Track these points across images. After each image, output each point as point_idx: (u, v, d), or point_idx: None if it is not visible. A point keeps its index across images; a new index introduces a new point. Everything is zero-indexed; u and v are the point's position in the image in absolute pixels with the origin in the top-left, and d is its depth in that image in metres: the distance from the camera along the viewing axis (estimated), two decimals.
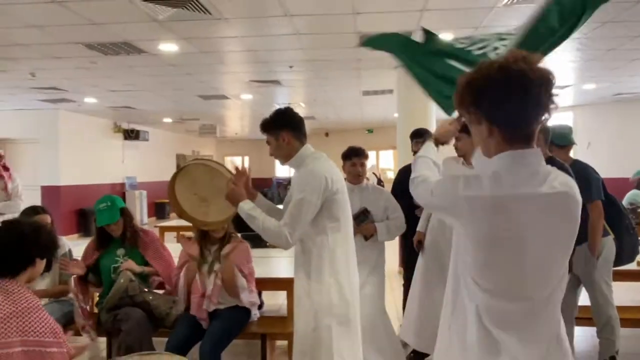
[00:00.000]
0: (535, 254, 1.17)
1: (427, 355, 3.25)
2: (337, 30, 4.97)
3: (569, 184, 1.20)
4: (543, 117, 1.17)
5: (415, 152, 3.82)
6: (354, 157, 3.19)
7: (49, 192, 10.21)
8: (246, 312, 2.89)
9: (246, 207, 2.11)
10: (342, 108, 10.67)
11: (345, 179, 3.03)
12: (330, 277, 2.10)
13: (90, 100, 9.00)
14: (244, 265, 2.87)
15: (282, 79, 7.42)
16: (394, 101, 8.02)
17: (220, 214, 2.34)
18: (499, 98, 1.16)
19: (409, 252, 3.65)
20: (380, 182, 12.65)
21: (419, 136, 3.83)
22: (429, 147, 1.64)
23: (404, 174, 3.75)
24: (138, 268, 3.08)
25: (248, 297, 2.85)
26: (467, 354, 1.20)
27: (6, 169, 4.56)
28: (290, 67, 6.53)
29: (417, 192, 1.40)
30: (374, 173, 12.88)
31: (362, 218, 3.12)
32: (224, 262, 2.79)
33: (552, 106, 1.17)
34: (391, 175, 14.47)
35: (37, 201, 9.67)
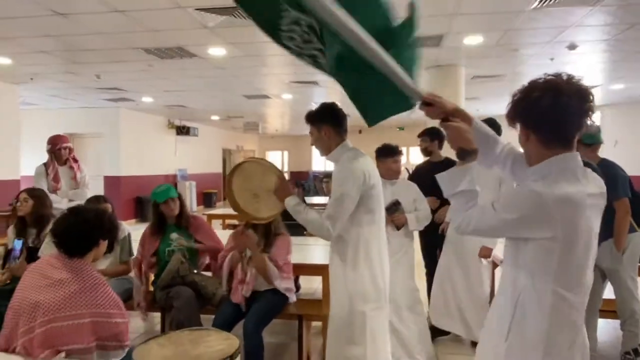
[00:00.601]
0: (594, 249, 1.23)
1: (446, 333, 3.45)
2: None
3: (603, 184, 1.25)
4: (581, 123, 1.18)
5: (423, 150, 3.90)
6: (390, 155, 3.24)
7: (110, 181, 10.60)
8: (284, 295, 2.92)
9: (292, 202, 2.14)
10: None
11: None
12: (364, 267, 2.09)
13: (147, 99, 9.26)
14: (281, 257, 2.88)
15: (319, 79, 7.41)
16: None
17: (269, 210, 2.35)
18: (538, 105, 1.18)
19: (429, 244, 3.82)
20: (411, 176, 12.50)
21: (423, 135, 3.91)
22: (454, 178, 1.42)
23: (417, 173, 3.91)
24: (187, 243, 3.14)
25: (282, 284, 2.86)
26: (533, 348, 1.21)
27: (75, 160, 4.73)
28: None
29: (476, 226, 1.29)
30: (406, 168, 12.75)
31: (393, 209, 3.15)
32: (255, 254, 2.82)
33: (589, 113, 1.18)
34: None
35: (100, 190, 10.08)
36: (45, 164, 4.59)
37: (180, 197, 3.19)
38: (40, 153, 4.92)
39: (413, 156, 16.03)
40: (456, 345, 3.50)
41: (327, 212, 2.05)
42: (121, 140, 10.59)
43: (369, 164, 2.14)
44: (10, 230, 3.41)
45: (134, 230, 3.79)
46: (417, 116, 13.58)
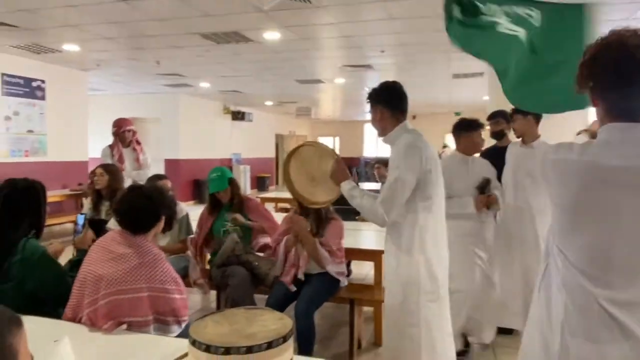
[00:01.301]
0: (630, 229, 1.03)
1: (510, 331, 3.21)
2: (429, 14, 4.71)
3: None
4: None
5: (493, 133, 3.68)
6: (475, 128, 2.96)
7: (170, 164, 11.00)
8: (336, 278, 2.89)
9: (348, 186, 2.09)
10: (430, 91, 10.23)
11: (458, 150, 2.94)
12: (419, 254, 2.00)
13: (204, 84, 9.46)
14: (334, 242, 2.85)
15: (373, 63, 7.24)
16: (484, 84, 7.52)
17: (325, 194, 2.30)
18: (606, 71, 1.05)
19: None
20: None
21: (492, 117, 3.71)
22: None
23: (487, 155, 3.60)
24: (243, 220, 3.17)
25: (333, 268, 2.84)
26: (552, 326, 1.11)
27: (138, 142, 4.92)
28: (382, 51, 6.34)
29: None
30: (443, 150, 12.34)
31: (487, 188, 2.90)
32: (306, 239, 2.80)
33: None
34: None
35: (161, 171, 10.47)
36: (110, 146, 4.81)
37: (233, 182, 3.23)
38: (106, 136, 5.17)
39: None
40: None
41: (381, 197, 1.98)
42: (180, 125, 10.92)
43: (427, 147, 2.04)
44: (86, 203, 3.60)
45: (191, 211, 3.88)
46: (474, 101, 12.95)
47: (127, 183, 4.47)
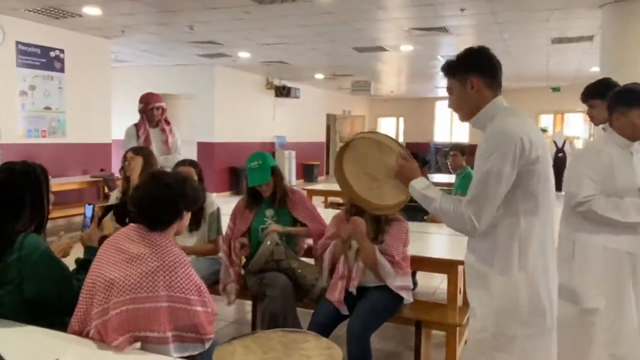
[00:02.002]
0: None
1: None
2: None
3: None
4: None
5: (591, 118, 3.24)
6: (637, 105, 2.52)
7: (203, 148, 11.23)
8: (398, 295, 2.82)
9: (419, 185, 1.96)
10: (522, 60, 9.80)
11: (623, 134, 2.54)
12: (519, 272, 1.83)
13: (244, 54, 9.55)
14: (397, 249, 2.79)
15: (449, 25, 6.97)
16: (594, 51, 7.04)
17: (395, 195, 2.21)
18: None
19: None
20: (561, 152, 11.46)
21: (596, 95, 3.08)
22: None
23: None
24: (282, 229, 3.14)
25: (396, 282, 2.77)
26: None
27: (167, 122, 4.95)
28: (462, 10, 6.07)
29: None
30: (554, 141, 11.72)
31: None
32: (364, 246, 2.74)
33: None
34: (581, 145, 13.03)
35: (193, 157, 10.71)
36: (136, 125, 4.87)
37: (276, 172, 3.21)
38: (131, 115, 5.27)
39: (570, 126, 14.71)
40: None
41: (469, 196, 1.83)
42: (216, 102, 11.12)
43: (531, 127, 1.87)
44: (114, 193, 3.67)
45: (226, 204, 3.88)
46: (579, 72, 12.35)
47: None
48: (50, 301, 1.92)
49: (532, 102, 13.79)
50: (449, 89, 2.00)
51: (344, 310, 2.77)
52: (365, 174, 2.26)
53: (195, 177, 3.30)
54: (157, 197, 1.90)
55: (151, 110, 4.80)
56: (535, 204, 1.84)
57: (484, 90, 1.93)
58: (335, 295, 2.79)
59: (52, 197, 2.08)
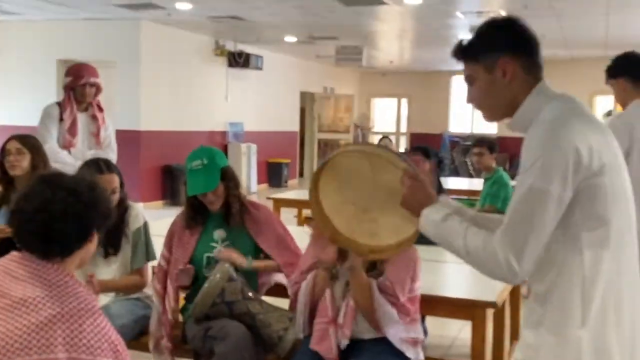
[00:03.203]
0: None
1: None
2: None
3: None
4: None
5: (618, 102, 3.98)
6: None
7: (126, 139, 10.98)
8: (401, 351, 2.82)
9: (436, 215, 1.94)
10: (572, 20, 9.95)
11: None
12: (582, 329, 1.82)
13: (183, 5, 9.51)
14: (402, 286, 2.79)
15: None
16: None
17: (396, 232, 2.25)
18: None
19: None
20: None
21: (614, 74, 3.97)
22: None
23: None
24: (243, 260, 3.14)
25: (400, 333, 2.79)
26: None
27: (100, 109, 5.03)
28: None
29: None
30: None
31: None
32: (356, 275, 2.77)
33: None
34: None
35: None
36: (59, 104, 4.89)
37: (229, 175, 3.22)
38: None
39: None
40: None
41: (503, 227, 1.82)
42: (142, 75, 11.05)
43: (590, 124, 1.87)
44: None
45: (158, 220, 3.81)
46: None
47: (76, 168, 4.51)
48: None
49: (584, 79, 13.91)
50: (469, 78, 2.00)
51: None
52: (353, 204, 2.32)
53: (118, 188, 3.32)
54: (57, 211, 1.85)
55: (83, 86, 4.84)
56: (606, 232, 1.83)
57: (520, 76, 1.93)
58: (324, 346, 2.80)
59: None
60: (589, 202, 1.81)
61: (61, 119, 4.79)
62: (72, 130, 4.78)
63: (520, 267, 1.78)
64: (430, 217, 1.95)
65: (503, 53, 1.92)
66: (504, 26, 1.98)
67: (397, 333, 2.77)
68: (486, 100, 2.00)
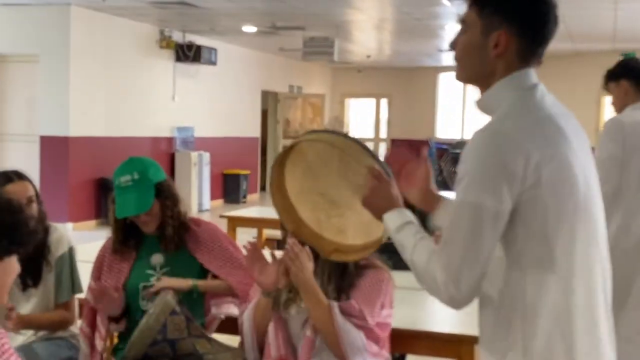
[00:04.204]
0: None
1: None
2: None
3: None
4: None
5: (615, 106, 4.23)
6: None
7: (51, 146, 11.05)
8: None
9: (392, 223, 2.01)
10: (577, 10, 10.11)
11: None
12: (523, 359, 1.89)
13: None
14: (370, 309, 2.80)
15: None
16: None
17: (364, 232, 2.34)
18: None
19: None
20: None
21: (616, 77, 4.17)
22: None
23: None
24: (187, 283, 3.14)
25: None
26: None
27: None
28: None
29: None
30: None
31: None
32: (311, 295, 2.76)
33: None
34: None
35: (33, 164, 10.47)
36: None
37: (164, 191, 3.21)
38: None
39: None
40: None
41: (441, 248, 1.89)
42: (72, 70, 10.99)
43: (540, 133, 1.90)
44: None
45: (90, 242, 3.78)
46: None
47: None
48: None
49: (591, 76, 14.04)
50: (463, 23, 2.03)
51: None
52: (320, 194, 2.40)
53: (34, 199, 3.30)
54: None
55: None
56: (549, 252, 1.88)
57: (509, 57, 1.96)
58: None
59: None
60: (529, 217, 1.87)
61: None
62: None
63: (458, 292, 1.84)
64: (387, 224, 2.02)
65: (509, 26, 1.94)
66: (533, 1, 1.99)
67: None
68: (465, 58, 2.04)
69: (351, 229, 2.36)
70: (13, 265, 1.99)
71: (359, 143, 2.27)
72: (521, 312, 1.89)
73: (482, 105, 2.03)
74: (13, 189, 3.24)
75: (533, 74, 2.00)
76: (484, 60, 1.98)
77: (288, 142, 17.09)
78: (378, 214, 2.06)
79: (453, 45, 2.05)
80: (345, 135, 2.33)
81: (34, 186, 3.39)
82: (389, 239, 2.14)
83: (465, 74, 2.06)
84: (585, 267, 1.92)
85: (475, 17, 1.97)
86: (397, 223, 2.00)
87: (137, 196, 3.13)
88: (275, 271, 2.77)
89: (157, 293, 3.11)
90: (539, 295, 1.87)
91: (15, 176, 3.36)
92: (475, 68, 2.03)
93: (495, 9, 1.95)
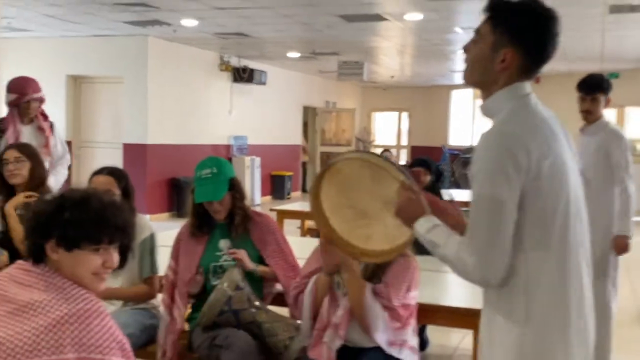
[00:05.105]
0: None
1: None
2: None
3: None
4: None
5: (584, 112, 4.26)
6: None
7: (132, 152, 11.12)
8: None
9: (424, 225, 2.00)
10: (569, 34, 9.86)
11: None
12: (525, 325, 1.87)
13: (189, 22, 9.55)
14: (396, 292, 2.81)
15: None
16: None
17: (388, 239, 2.28)
18: None
19: None
20: None
21: (592, 89, 4.20)
22: None
23: None
24: (249, 264, 3.16)
25: (387, 335, 2.80)
26: None
27: (45, 117, 4.87)
28: None
29: None
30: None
31: None
32: (352, 278, 2.79)
33: None
34: None
35: (117, 162, 10.53)
36: (3, 120, 4.80)
37: (235, 186, 3.25)
38: None
39: (632, 122, 15.17)
40: None
41: (466, 237, 1.89)
42: (150, 89, 11.06)
43: (538, 132, 1.89)
44: None
45: (165, 231, 3.81)
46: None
47: None
48: None
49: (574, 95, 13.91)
50: (478, 33, 1.98)
51: None
52: (351, 207, 2.34)
53: (117, 192, 3.28)
54: (70, 222, 1.85)
55: (27, 103, 4.74)
56: (547, 234, 1.87)
57: (512, 71, 1.94)
58: (317, 351, 2.80)
59: None
60: (530, 206, 1.85)
61: (2, 136, 4.67)
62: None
63: (488, 272, 1.85)
64: (418, 229, 1.99)
65: (516, 46, 1.92)
66: (541, 21, 1.94)
67: (383, 335, 2.77)
68: (474, 64, 2.01)
69: (377, 236, 2.31)
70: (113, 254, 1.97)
71: (391, 162, 2.28)
72: (523, 284, 1.87)
73: (485, 110, 2.02)
74: (97, 181, 3.29)
75: (528, 85, 1.99)
76: (490, 70, 1.96)
77: (324, 148, 17.23)
78: (410, 221, 2.04)
79: (465, 49, 2.02)
80: (379, 156, 2.33)
81: (125, 182, 3.40)
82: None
83: (472, 79, 2.04)
84: (574, 245, 1.91)
85: (489, 31, 1.94)
86: (427, 226, 1.98)
87: (214, 187, 3.15)
88: (337, 258, 2.78)
89: (236, 259, 3.14)
90: (538, 271, 1.86)
91: (106, 171, 3.40)
92: (481, 76, 2.01)
93: (506, 29, 1.92)
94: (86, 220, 1.88)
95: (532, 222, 1.87)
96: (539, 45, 1.94)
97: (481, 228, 1.85)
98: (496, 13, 1.94)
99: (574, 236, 1.91)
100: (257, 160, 13.70)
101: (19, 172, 3.64)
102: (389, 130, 20.11)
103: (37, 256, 1.87)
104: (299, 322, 3.05)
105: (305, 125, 17.25)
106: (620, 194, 4.14)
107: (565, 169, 1.91)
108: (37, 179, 3.71)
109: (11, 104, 4.75)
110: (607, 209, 4.10)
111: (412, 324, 2.88)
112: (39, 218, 1.87)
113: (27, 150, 3.75)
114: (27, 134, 4.73)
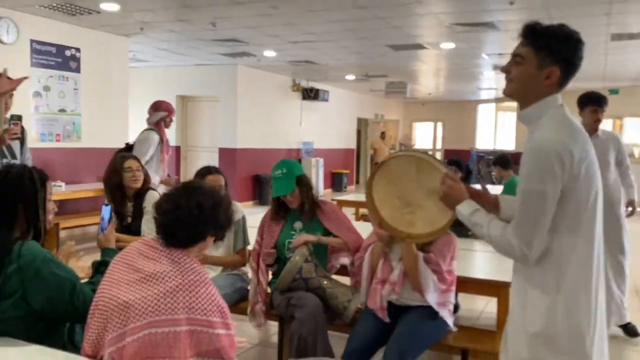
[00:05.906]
0: None
1: None
2: None
3: None
4: None
5: (597, 122, 4.11)
6: None
7: (225, 155, 11.28)
8: (444, 320, 2.76)
9: (466, 210, 1.95)
10: None
11: None
12: (556, 294, 1.81)
13: (269, 53, 9.61)
14: (443, 258, 2.73)
15: (496, 20, 6.85)
16: None
17: (429, 223, 2.24)
18: None
19: None
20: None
21: (603, 103, 4.09)
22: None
23: None
24: (313, 237, 3.15)
25: (437, 297, 2.73)
26: None
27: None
28: (511, 2, 5.95)
29: None
30: None
31: None
32: (408, 249, 2.71)
33: None
34: None
35: (214, 163, 10.72)
36: (157, 132, 5.01)
37: (303, 181, 3.24)
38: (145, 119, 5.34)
39: (630, 132, 14.44)
40: None
41: (514, 222, 1.82)
42: (239, 105, 11.19)
43: (575, 137, 1.81)
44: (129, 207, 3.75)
45: (250, 215, 3.88)
46: (639, 74, 11.91)
47: (161, 187, 4.75)
48: (60, 309, 1.90)
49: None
50: (518, 56, 1.88)
51: (387, 319, 2.74)
52: (398, 198, 2.29)
53: (223, 184, 3.39)
54: (184, 218, 1.87)
55: (171, 119, 5.03)
56: (578, 224, 1.82)
57: (553, 86, 1.87)
58: (373, 301, 2.77)
59: (51, 205, 2.06)
60: (566, 201, 1.79)
61: (160, 147, 4.97)
62: (167, 150, 5.02)
63: (530, 252, 1.80)
64: (462, 211, 1.96)
65: (560, 64, 1.85)
66: (576, 43, 1.87)
67: (434, 297, 2.72)
68: (519, 83, 1.90)
69: (419, 222, 2.27)
70: (211, 240, 2.00)
71: (432, 157, 2.22)
72: (556, 262, 1.82)
73: (523, 118, 1.92)
74: (210, 179, 3.34)
75: (560, 96, 1.90)
76: (535, 86, 1.87)
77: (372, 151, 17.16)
78: (453, 205, 2.00)
79: (505, 70, 1.92)
80: (425, 152, 2.25)
81: (225, 178, 3.48)
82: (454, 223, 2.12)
83: (515, 93, 1.92)
84: (597, 233, 1.85)
85: (532, 54, 1.84)
86: (470, 210, 1.94)
87: (285, 183, 3.16)
88: (388, 236, 2.72)
89: (297, 246, 3.12)
90: (570, 252, 1.82)
91: (214, 170, 3.48)
92: (527, 93, 1.90)
93: (549, 52, 1.83)
94: (225, 222, 1.97)
95: (567, 213, 1.82)
96: (575, 63, 1.87)
97: (527, 217, 1.80)
98: (536, 38, 1.85)
99: (598, 224, 1.86)
100: (321, 160, 13.69)
101: (140, 178, 3.72)
102: (427, 137, 19.79)
103: (176, 244, 1.88)
104: (354, 290, 3.02)
105: (358, 133, 17.17)
106: (626, 188, 4.28)
107: (595, 169, 1.85)
108: (146, 183, 3.80)
109: (161, 120, 5.01)
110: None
111: (453, 290, 2.83)
112: (202, 217, 1.90)
113: (139, 162, 3.84)
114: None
